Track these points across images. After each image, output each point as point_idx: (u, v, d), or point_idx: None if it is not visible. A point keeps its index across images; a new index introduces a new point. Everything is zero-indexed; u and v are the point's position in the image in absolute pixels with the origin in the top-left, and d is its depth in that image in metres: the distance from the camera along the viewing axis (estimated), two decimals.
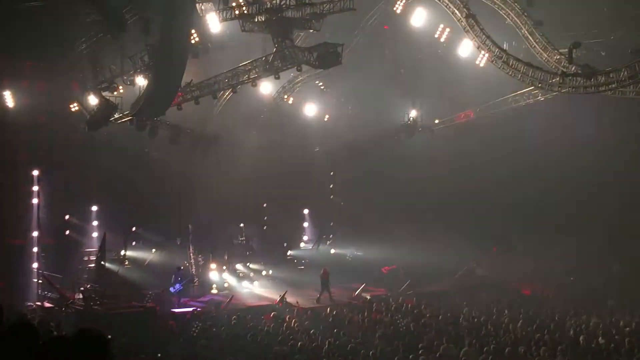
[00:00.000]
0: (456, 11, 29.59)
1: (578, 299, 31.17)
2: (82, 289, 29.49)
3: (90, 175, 34.68)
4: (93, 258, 33.10)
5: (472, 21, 29.13)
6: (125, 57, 30.94)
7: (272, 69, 30.14)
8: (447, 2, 29.78)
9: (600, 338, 22.27)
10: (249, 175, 38.27)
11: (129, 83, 32.05)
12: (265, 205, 41.69)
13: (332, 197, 44.00)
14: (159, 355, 20.29)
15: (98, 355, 7.08)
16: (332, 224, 43.37)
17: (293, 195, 42.52)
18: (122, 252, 33.75)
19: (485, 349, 20.64)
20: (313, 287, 33.87)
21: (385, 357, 19.95)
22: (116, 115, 31.55)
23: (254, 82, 31.32)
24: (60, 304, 28.51)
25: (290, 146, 41.73)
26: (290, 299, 30.73)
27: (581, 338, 21.99)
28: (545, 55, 29.25)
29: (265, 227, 41.65)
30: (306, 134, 41.89)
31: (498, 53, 28.36)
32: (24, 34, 28.82)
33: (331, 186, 44.00)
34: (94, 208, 34.97)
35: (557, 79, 26.41)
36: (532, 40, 29.78)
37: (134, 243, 35.64)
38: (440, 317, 26.64)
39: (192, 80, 32.02)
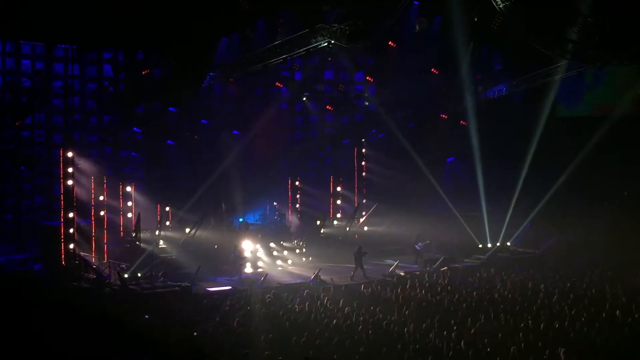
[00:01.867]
0: None
1: (614, 273, 30.81)
2: (118, 269, 29.74)
3: (127, 156, 35.17)
4: (129, 238, 33.43)
5: None
6: None
7: (302, 45, 30.06)
8: None
9: (636, 315, 22.08)
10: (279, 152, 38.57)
11: None
12: (297, 182, 41.60)
13: (364, 173, 43.70)
14: (195, 333, 20.44)
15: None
16: (364, 201, 43.12)
17: (324, 171, 42.57)
18: (157, 232, 34.02)
19: (521, 324, 20.59)
20: (347, 265, 33.92)
21: (420, 334, 19.96)
22: None
23: (285, 61, 31.31)
24: (97, 284, 28.81)
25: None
26: (324, 276, 30.78)
27: (617, 313, 21.84)
28: None
29: (298, 206, 41.58)
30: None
31: None
32: None
33: (363, 163, 43.69)
34: (129, 189, 35.14)
35: None
36: None
37: (167, 223, 35.80)
38: (474, 293, 26.56)
39: (222, 61, 32.16)
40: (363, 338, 19.70)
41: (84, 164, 33.13)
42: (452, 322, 21.02)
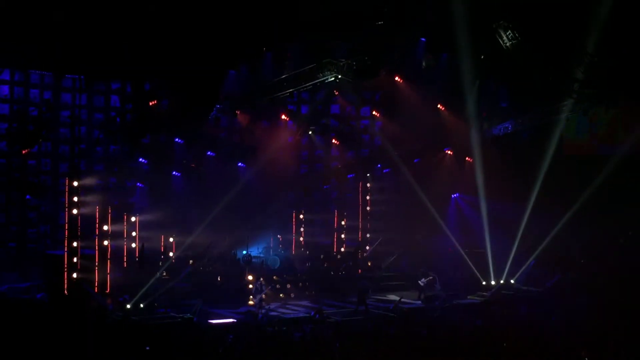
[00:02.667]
0: None
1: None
2: (120, 299, 29.68)
3: (132, 186, 35.31)
4: (132, 268, 33.45)
5: None
6: None
7: (310, 80, 30.24)
8: None
9: None
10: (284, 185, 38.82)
11: None
12: (302, 215, 41.63)
13: (368, 207, 43.64)
14: None
15: None
16: (367, 235, 43.01)
17: (329, 204, 42.63)
18: (160, 263, 34.02)
19: None
20: (350, 300, 33.90)
21: None
22: None
23: (291, 95, 31.50)
24: (99, 314, 28.71)
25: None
26: (326, 310, 30.68)
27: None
28: None
29: (302, 239, 41.55)
30: None
31: None
32: None
33: (368, 197, 43.68)
34: (133, 219, 35.18)
35: None
36: None
37: (171, 254, 35.77)
38: (477, 330, 26.42)
39: (229, 93, 32.40)
40: None
41: (89, 193, 33.22)
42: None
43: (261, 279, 31.36)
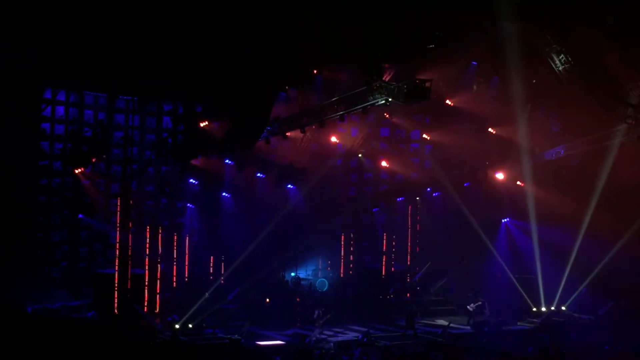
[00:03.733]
0: None
1: None
2: (169, 319, 29.89)
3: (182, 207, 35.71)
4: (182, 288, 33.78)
5: None
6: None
7: (360, 102, 30.26)
8: None
9: None
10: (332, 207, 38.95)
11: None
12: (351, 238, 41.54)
13: (417, 232, 43.41)
14: None
15: None
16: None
17: (377, 228, 42.49)
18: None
19: None
20: (398, 324, 33.81)
21: None
22: None
23: (342, 117, 31.52)
24: (148, 334, 28.95)
25: None
26: (375, 334, 30.56)
27: None
28: None
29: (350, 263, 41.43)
30: None
31: None
32: None
33: (417, 221, 43.42)
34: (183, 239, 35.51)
35: None
36: None
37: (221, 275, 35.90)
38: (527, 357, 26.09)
39: (279, 115, 32.54)
40: None
41: (140, 213, 33.65)
42: None
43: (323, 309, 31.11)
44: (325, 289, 37.11)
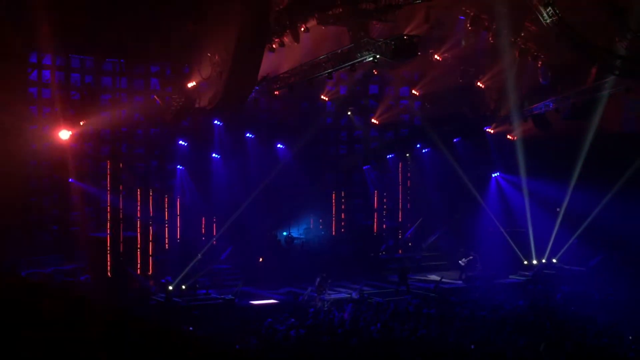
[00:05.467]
0: None
1: None
2: (162, 281, 30.01)
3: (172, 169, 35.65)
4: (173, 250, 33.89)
5: None
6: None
7: (348, 60, 30.11)
8: None
9: None
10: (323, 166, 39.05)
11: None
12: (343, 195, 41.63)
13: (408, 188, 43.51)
14: (237, 346, 20.52)
15: None
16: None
17: (368, 185, 42.51)
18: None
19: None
20: (391, 280, 34.10)
21: (462, 351, 19.84)
22: None
23: (330, 75, 31.37)
24: (142, 296, 29.11)
25: None
26: (367, 290, 30.80)
27: None
28: None
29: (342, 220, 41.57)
30: None
31: None
32: None
33: (407, 177, 43.49)
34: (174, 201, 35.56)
35: None
36: None
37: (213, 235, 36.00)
38: (519, 309, 26.34)
39: (268, 74, 32.35)
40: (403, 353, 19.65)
41: (130, 176, 33.63)
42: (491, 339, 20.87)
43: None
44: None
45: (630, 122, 39.90)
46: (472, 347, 20.28)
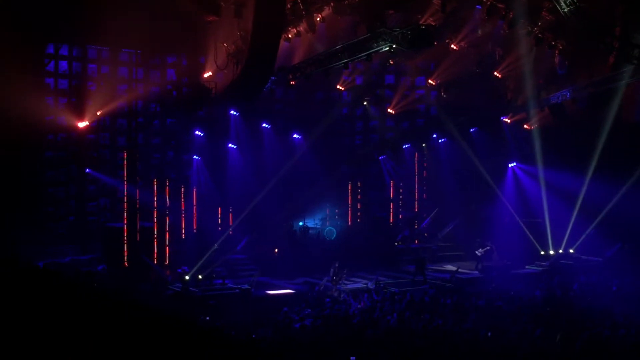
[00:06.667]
0: None
1: None
2: (179, 271, 30.11)
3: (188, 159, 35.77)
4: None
5: None
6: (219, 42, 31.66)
7: (364, 50, 30.02)
8: None
9: None
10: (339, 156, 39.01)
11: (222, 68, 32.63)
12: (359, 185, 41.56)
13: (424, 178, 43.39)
14: (254, 336, 20.58)
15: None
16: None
17: (384, 176, 42.39)
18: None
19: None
20: (407, 270, 34.11)
21: (477, 341, 19.81)
22: None
23: (346, 65, 31.29)
24: (158, 286, 29.23)
25: None
26: (383, 280, 30.79)
27: None
28: None
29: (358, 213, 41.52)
30: None
31: None
32: None
33: (424, 168, 43.39)
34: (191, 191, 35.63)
35: None
36: None
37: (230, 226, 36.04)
38: (536, 300, 26.24)
39: (284, 64, 32.36)
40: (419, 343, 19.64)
41: (147, 166, 33.72)
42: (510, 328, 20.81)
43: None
44: (333, 237, 37.24)
45: None
46: (489, 334, 20.23)
